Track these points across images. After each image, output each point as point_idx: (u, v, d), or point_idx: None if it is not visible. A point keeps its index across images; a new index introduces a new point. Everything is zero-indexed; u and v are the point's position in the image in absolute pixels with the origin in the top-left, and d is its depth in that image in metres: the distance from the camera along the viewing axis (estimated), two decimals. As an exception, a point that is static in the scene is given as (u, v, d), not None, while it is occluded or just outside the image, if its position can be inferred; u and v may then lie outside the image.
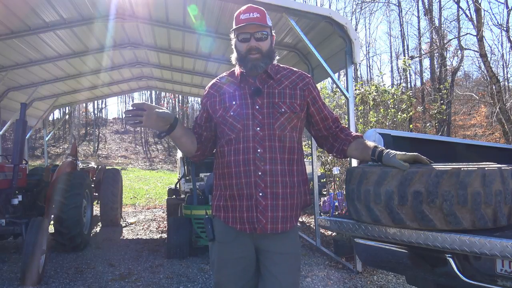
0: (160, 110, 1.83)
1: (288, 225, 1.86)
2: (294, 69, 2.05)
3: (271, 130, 1.85)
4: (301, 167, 1.95)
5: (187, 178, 7.87)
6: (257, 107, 1.87)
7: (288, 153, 1.88)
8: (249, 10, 1.89)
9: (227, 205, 1.90)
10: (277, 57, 1.99)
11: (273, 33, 1.96)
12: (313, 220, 7.64)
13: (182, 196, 7.40)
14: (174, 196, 8.10)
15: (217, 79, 2.05)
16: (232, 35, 1.96)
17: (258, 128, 1.85)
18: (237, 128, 1.87)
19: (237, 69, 1.98)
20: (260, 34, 1.88)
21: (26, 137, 7.13)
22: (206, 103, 1.99)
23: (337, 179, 7.71)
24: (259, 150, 1.83)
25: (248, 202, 1.83)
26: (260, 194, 1.82)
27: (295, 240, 1.96)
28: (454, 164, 1.86)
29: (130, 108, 1.81)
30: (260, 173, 1.82)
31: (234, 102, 1.90)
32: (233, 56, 1.96)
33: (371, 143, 1.94)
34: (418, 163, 1.80)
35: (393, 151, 1.81)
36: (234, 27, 1.91)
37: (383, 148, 1.87)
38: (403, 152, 1.79)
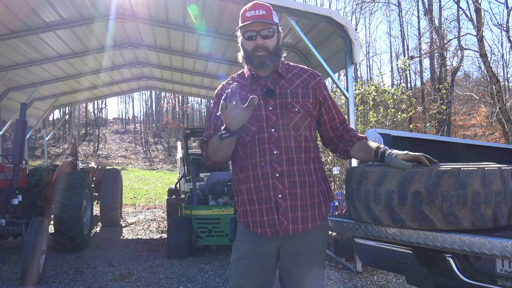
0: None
1: (310, 224, 1.84)
2: (305, 67, 2.03)
3: (286, 131, 1.84)
4: (319, 165, 1.94)
5: (187, 178, 7.88)
6: (270, 108, 1.86)
7: (305, 152, 1.88)
8: (255, 7, 1.86)
9: (246, 210, 1.89)
10: (284, 55, 1.96)
11: (280, 30, 1.93)
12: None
13: (182, 196, 7.40)
14: (174, 196, 8.11)
15: (226, 81, 2.01)
16: (238, 33, 1.93)
17: (273, 130, 1.84)
18: (252, 130, 1.84)
19: (246, 70, 1.96)
20: (267, 32, 1.85)
21: (26, 137, 7.14)
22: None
23: (337, 179, 7.70)
24: (275, 152, 1.82)
25: (267, 204, 1.82)
26: (279, 195, 1.81)
27: (319, 239, 1.92)
28: (454, 164, 1.86)
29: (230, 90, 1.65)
30: (277, 175, 1.81)
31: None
32: (240, 54, 1.93)
33: (373, 144, 1.93)
34: (420, 163, 1.78)
35: (396, 151, 1.80)
36: (240, 24, 1.88)
37: (386, 148, 1.86)
38: (405, 152, 1.77)
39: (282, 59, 1.96)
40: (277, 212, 1.80)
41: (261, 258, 1.88)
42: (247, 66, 1.94)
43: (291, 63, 2.03)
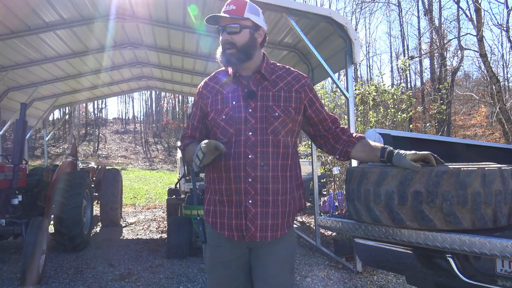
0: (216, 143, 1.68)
1: (279, 233, 1.79)
2: (291, 69, 1.95)
3: (264, 135, 1.77)
4: (295, 172, 1.87)
5: (187, 178, 7.87)
6: (250, 110, 1.78)
7: (282, 158, 1.80)
8: (229, 2, 1.83)
9: (215, 210, 1.84)
10: (263, 51, 1.89)
11: (250, 26, 1.82)
12: (313, 220, 7.63)
13: (182, 196, 7.40)
14: (174, 196, 8.11)
15: (209, 78, 1.96)
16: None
17: (250, 133, 1.76)
18: (230, 132, 1.78)
19: (230, 68, 1.91)
20: (230, 28, 1.80)
21: (26, 137, 7.14)
22: (201, 103, 1.90)
23: (337, 179, 7.70)
24: (250, 156, 1.75)
25: (237, 209, 1.76)
26: (250, 201, 1.74)
27: (289, 243, 1.88)
28: (454, 164, 1.86)
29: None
30: (250, 180, 1.74)
31: (226, 105, 1.81)
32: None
33: (377, 144, 1.87)
34: (427, 163, 1.75)
35: (403, 151, 1.76)
36: None
37: (392, 148, 1.81)
38: (413, 152, 1.74)
39: (267, 55, 1.90)
40: (245, 217, 1.74)
41: (235, 262, 1.84)
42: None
43: (277, 64, 1.95)
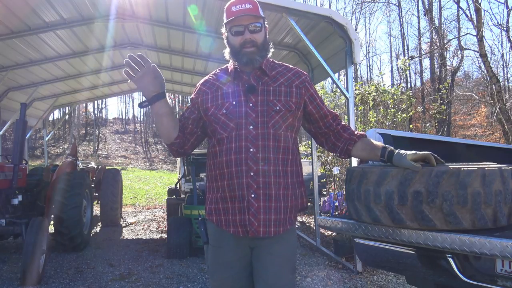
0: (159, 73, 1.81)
1: (282, 228, 1.78)
2: (290, 66, 1.97)
3: (265, 129, 1.77)
4: (296, 168, 1.87)
5: (187, 178, 7.88)
6: (251, 104, 1.79)
7: (283, 153, 1.81)
8: (241, 1, 1.79)
9: (219, 208, 1.83)
10: (272, 50, 1.90)
11: (265, 25, 1.87)
12: (313, 220, 7.64)
13: (182, 196, 7.41)
14: (174, 196, 8.11)
15: (209, 76, 1.96)
16: (223, 29, 1.87)
17: (251, 127, 1.77)
18: (230, 127, 1.79)
19: (230, 65, 1.90)
20: (254, 26, 1.79)
21: (26, 137, 7.14)
22: (197, 100, 1.90)
23: (337, 179, 7.70)
24: (251, 150, 1.75)
25: (240, 204, 1.76)
26: (252, 195, 1.74)
27: (290, 243, 1.87)
28: (454, 164, 1.86)
29: (135, 56, 1.77)
30: (252, 174, 1.74)
31: (226, 100, 1.82)
32: (226, 52, 1.87)
33: (378, 143, 1.87)
34: (427, 163, 1.75)
35: (403, 151, 1.75)
36: (225, 20, 1.82)
37: (392, 148, 1.80)
38: (414, 152, 1.74)
39: (270, 54, 1.90)
40: (248, 212, 1.74)
41: (238, 263, 1.84)
42: (234, 63, 1.88)
43: (276, 61, 1.96)
